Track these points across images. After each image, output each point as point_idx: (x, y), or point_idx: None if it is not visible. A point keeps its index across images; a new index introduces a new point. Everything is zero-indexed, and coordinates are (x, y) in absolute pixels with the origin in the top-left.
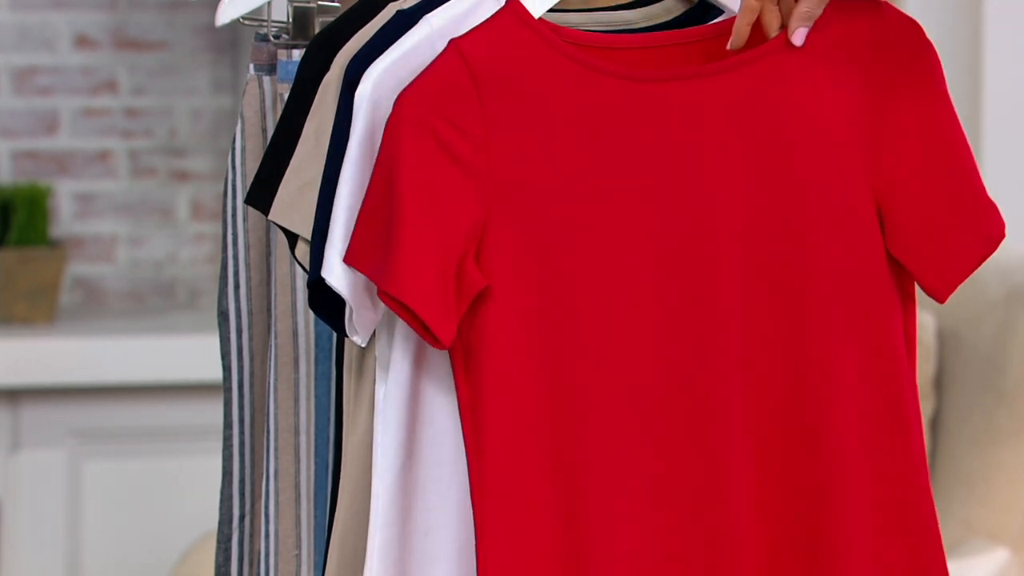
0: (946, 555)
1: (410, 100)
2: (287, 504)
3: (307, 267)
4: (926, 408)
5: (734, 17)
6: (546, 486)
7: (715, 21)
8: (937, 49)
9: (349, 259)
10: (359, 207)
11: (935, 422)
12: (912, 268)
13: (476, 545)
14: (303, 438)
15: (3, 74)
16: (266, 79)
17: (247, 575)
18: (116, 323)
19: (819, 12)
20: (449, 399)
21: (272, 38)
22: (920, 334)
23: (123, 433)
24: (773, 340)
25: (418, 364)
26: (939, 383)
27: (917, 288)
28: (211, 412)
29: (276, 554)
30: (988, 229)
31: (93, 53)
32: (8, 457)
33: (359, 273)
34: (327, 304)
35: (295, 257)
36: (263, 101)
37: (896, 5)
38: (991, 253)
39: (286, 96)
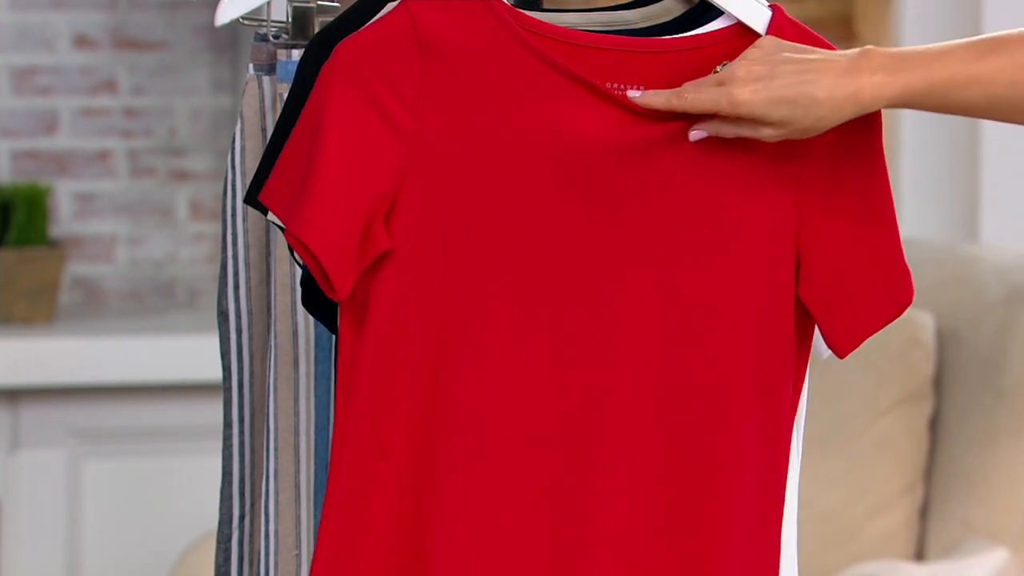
0: (946, 555)
1: (350, 51)
2: (287, 504)
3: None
4: (926, 408)
5: (716, 32)
6: (403, 457)
7: (699, 31)
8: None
9: (263, 197)
10: None
11: (934, 422)
12: (819, 318)
13: (325, 497)
14: (303, 438)
15: (3, 74)
16: (266, 79)
17: (247, 575)
18: (116, 323)
19: (729, 134)
20: None
21: (272, 38)
22: (919, 334)
23: (123, 433)
24: (664, 347)
25: None
26: (938, 383)
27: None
28: (211, 412)
29: (276, 554)
30: (899, 295)
31: (93, 53)
32: (8, 457)
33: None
34: (321, 303)
35: (293, 256)
36: (263, 101)
37: (893, 5)
38: (897, 317)
39: (285, 96)
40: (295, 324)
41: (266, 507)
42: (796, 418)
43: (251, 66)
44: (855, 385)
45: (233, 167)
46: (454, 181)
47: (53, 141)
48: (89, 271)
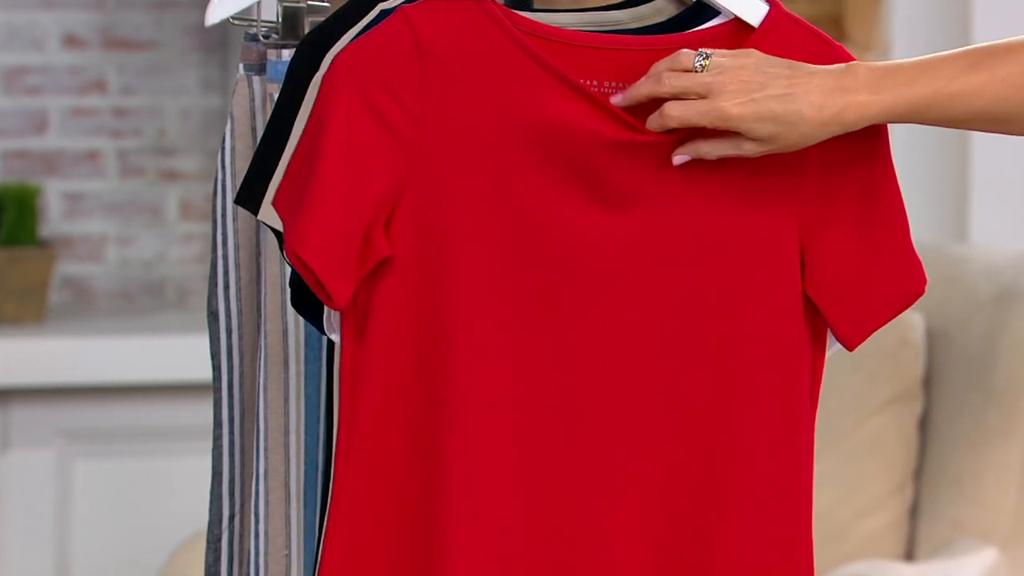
0: (935, 555)
1: (351, 59)
2: (277, 504)
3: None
4: (915, 408)
5: (711, 28)
6: (412, 463)
7: (694, 30)
8: (927, 48)
9: (276, 203)
10: None
11: (924, 422)
12: (827, 313)
13: (329, 506)
14: (293, 438)
15: None
16: (256, 79)
17: (237, 575)
18: (105, 323)
19: (711, 155)
20: None
21: (262, 38)
22: (909, 334)
23: (112, 433)
24: (669, 349)
25: None
26: (928, 383)
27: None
28: (201, 412)
29: (266, 554)
30: (908, 285)
31: (82, 53)
32: None
33: None
34: (310, 303)
35: (284, 256)
36: (253, 101)
37: (883, 5)
38: (907, 308)
39: (276, 96)
40: (285, 324)
41: (256, 507)
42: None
43: (241, 66)
44: (845, 385)
45: (223, 167)
46: (454, 186)
47: (42, 141)
48: (79, 271)
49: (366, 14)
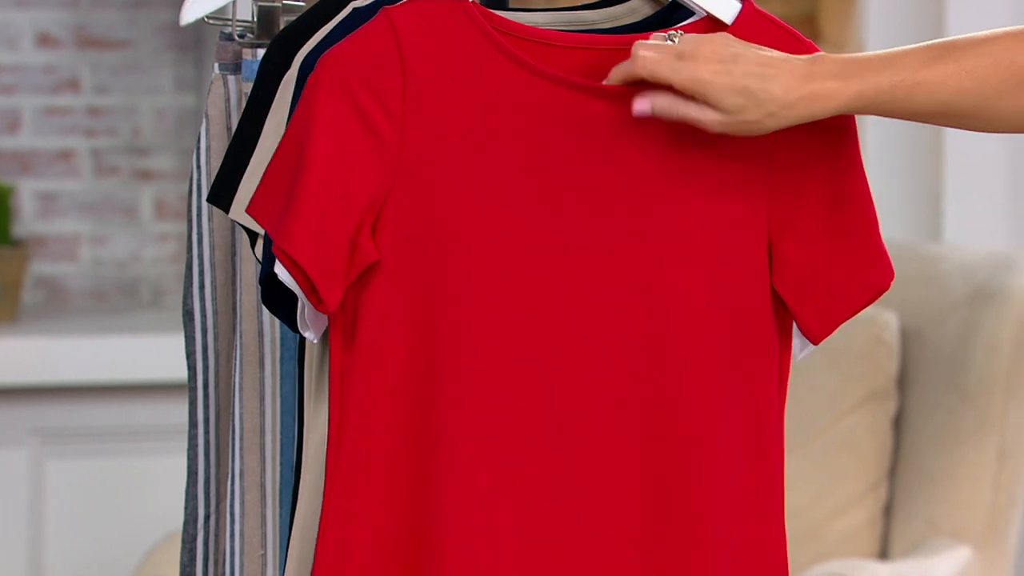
0: (910, 553)
1: (335, 62)
2: (252, 504)
3: None
4: (890, 407)
5: (684, 26)
6: (401, 466)
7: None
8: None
9: (251, 209)
10: None
11: (898, 420)
12: (793, 308)
13: (321, 513)
14: (268, 437)
15: None
16: (231, 78)
17: (212, 575)
18: (79, 322)
19: (673, 114)
20: None
21: (237, 37)
22: (883, 333)
23: (86, 433)
24: (649, 357)
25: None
26: (902, 382)
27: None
28: (176, 412)
29: (241, 553)
30: (875, 279)
31: (55, 52)
32: None
33: None
34: (282, 301)
35: (255, 254)
36: (228, 100)
37: (857, 5)
38: (872, 302)
39: None
40: (260, 324)
41: (231, 507)
42: None
43: (216, 65)
44: (818, 384)
45: (198, 167)
46: (438, 189)
47: (16, 140)
48: (52, 270)
49: (337, 13)
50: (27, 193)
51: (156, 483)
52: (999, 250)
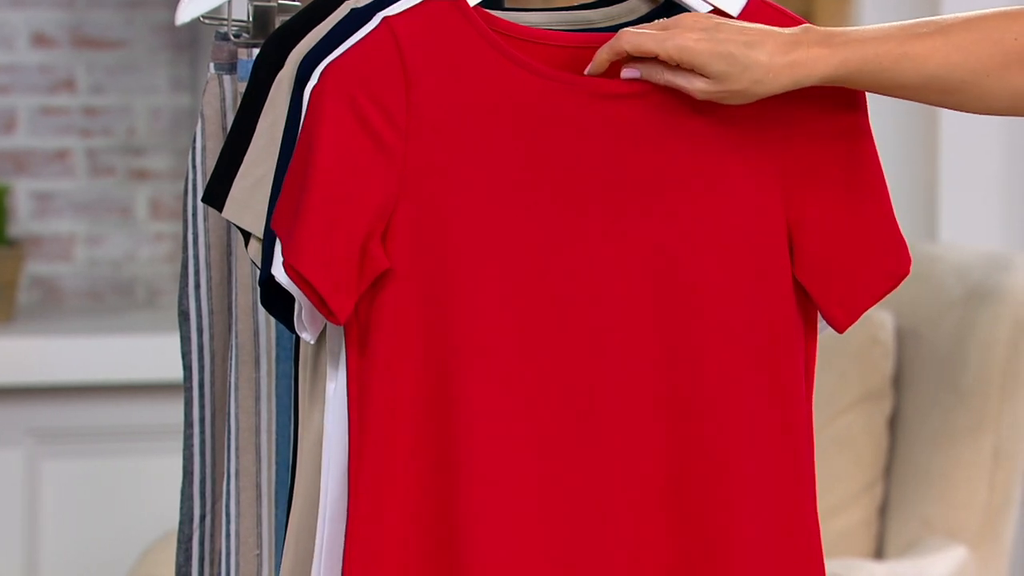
0: (905, 553)
1: (337, 72)
2: (248, 504)
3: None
4: (885, 406)
5: None
6: (424, 475)
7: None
8: None
9: (274, 224)
10: None
11: (893, 420)
12: (816, 296)
13: (347, 523)
14: (264, 437)
15: None
16: (226, 78)
17: (208, 575)
18: (74, 322)
19: (660, 80)
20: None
21: (232, 37)
22: (878, 332)
23: (82, 433)
24: (670, 355)
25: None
26: (898, 381)
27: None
28: (171, 412)
29: (237, 553)
30: (894, 265)
31: (51, 51)
32: None
33: None
34: (280, 301)
35: (248, 254)
36: (223, 100)
37: (854, 4)
38: (894, 288)
39: None
40: (256, 324)
41: (227, 507)
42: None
43: (212, 65)
44: (814, 383)
45: (194, 167)
46: (446, 195)
47: (11, 140)
48: (48, 270)
49: (331, 12)
50: (23, 193)
51: (152, 483)
52: (994, 250)
